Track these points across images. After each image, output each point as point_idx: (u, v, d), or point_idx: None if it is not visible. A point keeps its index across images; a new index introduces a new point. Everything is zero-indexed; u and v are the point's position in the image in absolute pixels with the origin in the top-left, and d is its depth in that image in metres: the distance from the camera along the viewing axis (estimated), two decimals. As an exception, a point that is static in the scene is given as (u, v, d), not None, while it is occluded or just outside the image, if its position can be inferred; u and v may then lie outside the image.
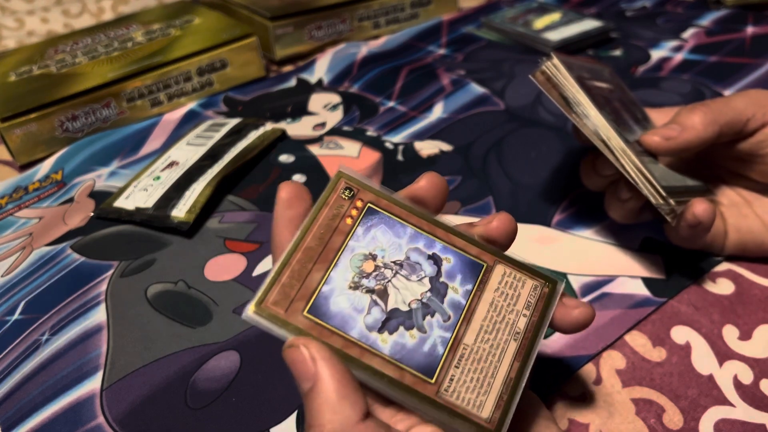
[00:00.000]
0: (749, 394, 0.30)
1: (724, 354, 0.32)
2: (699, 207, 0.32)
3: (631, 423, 0.29)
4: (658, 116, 0.39)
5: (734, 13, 0.68)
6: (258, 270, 0.39)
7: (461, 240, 0.26)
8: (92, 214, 0.45)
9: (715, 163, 0.38)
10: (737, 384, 0.30)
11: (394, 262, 0.25)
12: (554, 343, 0.33)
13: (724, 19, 0.67)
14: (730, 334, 0.33)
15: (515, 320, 0.25)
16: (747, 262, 0.37)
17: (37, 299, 0.38)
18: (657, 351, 0.32)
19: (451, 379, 0.23)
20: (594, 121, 0.34)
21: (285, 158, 0.50)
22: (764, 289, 0.35)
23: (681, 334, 0.33)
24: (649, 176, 0.33)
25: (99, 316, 0.37)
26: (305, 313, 0.23)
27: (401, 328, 0.23)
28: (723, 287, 0.36)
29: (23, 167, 0.53)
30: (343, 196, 0.25)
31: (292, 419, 0.30)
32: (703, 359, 0.32)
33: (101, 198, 0.47)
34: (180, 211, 0.43)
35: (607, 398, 0.30)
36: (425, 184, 0.26)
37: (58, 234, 0.44)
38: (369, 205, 0.25)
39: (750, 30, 0.64)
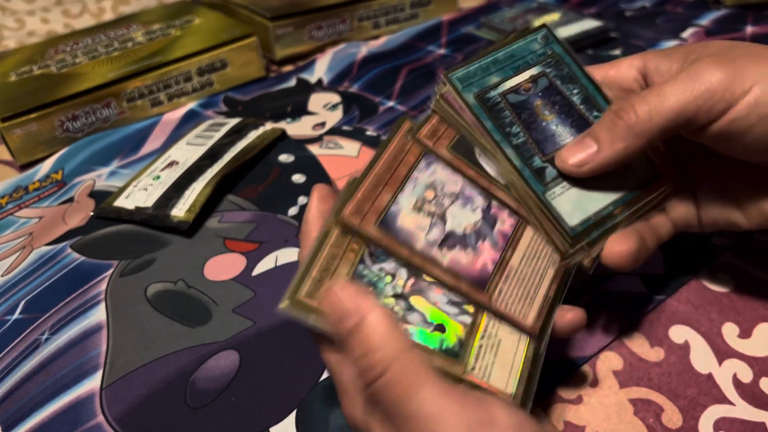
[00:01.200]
0: (749, 393, 0.30)
1: (723, 352, 0.32)
2: (609, 252, 0.28)
3: (629, 423, 0.29)
4: (618, 73, 0.32)
5: (734, 13, 0.68)
6: (258, 269, 0.39)
7: (503, 193, 0.29)
8: (92, 213, 0.45)
9: (680, 138, 0.31)
10: (737, 382, 0.30)
11: (451, 193, 0.28)
12: (550, 346, 0.33)
13: (724, 19, 0.67)
14: (729, 332, 0.33)
15: (552, 252, 0.29)
16: (748, 255, 0.37)
17: (37, 298, 0.39)
18: (655, 351, 0.32)
19: (500, 292, 0.26)
20: (493, 166, 0.30)
21: (285, 158, 0.50)
22: (765, 284, 0.35)
23: (679, 333, 0.33)
24: (552, 218, 0.29)
25: (99, 315, 0.37)
26: (377, 225, 0.25)
27: (458, 247, 0.27)
28: (723, 283, 0.36)
29: (23, 167, 0.53)
30: (407, 138, 0.28)
31: (291, 419, 0.30)
32: (702, 358, 0.32)
33: (101, 197, 0.47)
34: (180, 210, 0.43)
35: (603, 400, 0.30)
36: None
37: (58, 233, 0.44)
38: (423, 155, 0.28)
39: (749, 30, 0.64)
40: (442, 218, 0.27)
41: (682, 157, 0.32)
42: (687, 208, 0.32)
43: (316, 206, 0.26)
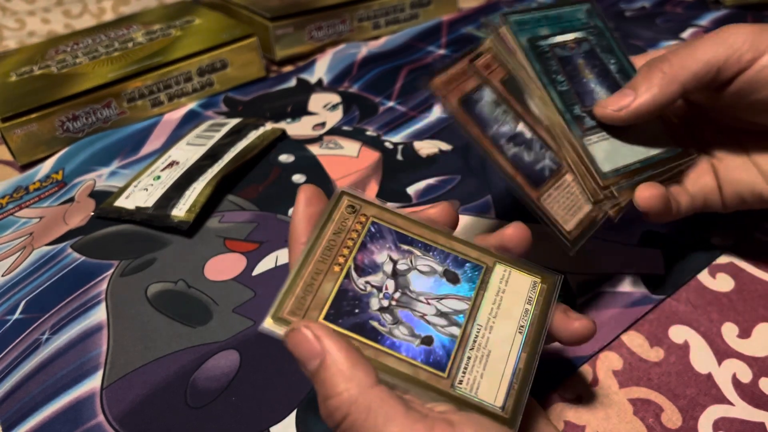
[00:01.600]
0: (748, 393, 0.30)
1: (723, 352, 0.32)
2: (641, 195, 0.30)
3: (629, 423, 0.29)
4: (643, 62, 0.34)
5: (733, 13, 0.68)
6: (258, 269, 0.39)
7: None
8: (92, 213, 0.46)
9: (701, 111, 0.35)
10: (736, 383, 0.31)
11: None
12: (550, 346, 0.33)
13: (724, 19, 0.67)
14: (729, 332, 0.33)
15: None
16: (748, 255, 0.37)
17: (37, 298, 0.39)
18: (654, 351, 0.32)
19: (549, 195, 0.28)
20: (537, 104, 0.31)
21: (285, 158, 0.50)
22: (765, 284, 0.35)
23: (679, 333, 0.33)
24: (587, 160, 0.30)
25: (99, 315, 0.37)
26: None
27: (523, 146, 0.29)
28: (723, 283, 0.36)
29: (24, 167, 0.53)
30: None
31: (291, 418, 0.30)
32: (701, 358, 0.32)
33: (101, 198, 0.47)
34: (180, 210, 0.43)
35: (603, 399, 0.30)
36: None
37: (59, 233, 0.44)
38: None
39: (750, 30, 0.64)
40: (515, 120, 0.30)
41: (700, 133, 0.34)
42: (707, 180, 0.33)
43: (302, 210, 0.26)
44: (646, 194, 0.30)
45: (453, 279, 0.26)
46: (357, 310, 0.24)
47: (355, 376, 0.21)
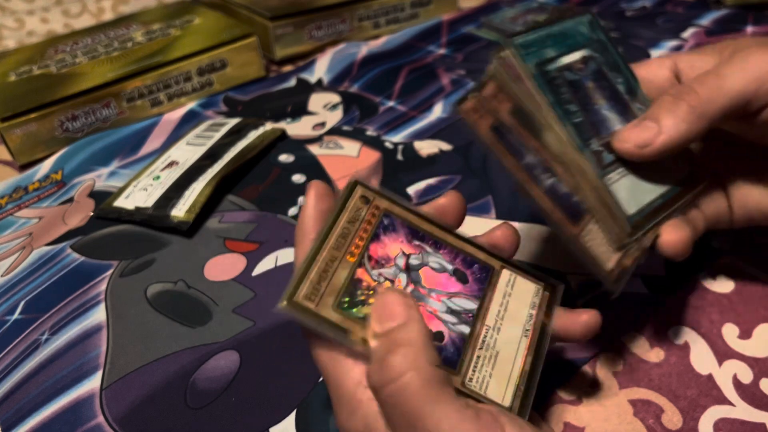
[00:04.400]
0: (749, 394, 0.30)
1: (723, 353, 0.32)
2: (667, 240, 0.28)
3: (629, 424, 0.29)
4: (648, 72, 0.32)
5: (734, 13, 0.68)
6: (258, 270, 0.39)
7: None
8: (92, 213, 0.45)
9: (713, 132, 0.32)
10: (737, 383, 0.30)
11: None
12: (549, 347, 0.33)
13: (724, 19, 0.67)
14: (729, 333, 0.33)
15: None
16: (748, 256, 0.37)
17: (36, 299, 0.38)
18: (655, 352, 0.32)
19: (473, 371, 0.24)
20: (552, 140, 0.28)
21: (285, 158, 0.50)
22: (765, 285, 0.35)
23: (679, 334, 0.33)
24: (610, 205, 0.27)
25: (99, 315, 0.37)
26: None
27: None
28: (723, 285, 0.36)
29: (23, 167, 0.53)
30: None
31: (291, 418, 0.30)
32: (702, 359, 0.32)
33: (101, 198, 0.47)
34: (180, 210, 0.43)
35: (603, 401, 0.30)
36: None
37: (58, 234, 0.44)
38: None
39: (750, 30, 0.64)
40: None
41: (711, 153, 0.33)
42: (719, 202, 0.32)
43: (313, 205, 0.26)
44: (674, 239, 0.28)
45: (462, 278, 0.26)
46: (371, 301, 0.24)
47: (428, 351, 0.21)
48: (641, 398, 0.30)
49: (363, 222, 0.26)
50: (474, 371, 0.24)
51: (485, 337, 0.25)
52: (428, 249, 0.26)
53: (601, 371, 0.31)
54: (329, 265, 0.24)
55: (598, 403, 0.30)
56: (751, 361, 0.31)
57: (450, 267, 0.26)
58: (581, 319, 0.27)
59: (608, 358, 0.32)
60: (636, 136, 0.28)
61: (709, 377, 0.31)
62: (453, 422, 0.20)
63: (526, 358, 0.25)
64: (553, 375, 0.31)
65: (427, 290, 0.25)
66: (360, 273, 0.25)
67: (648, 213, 0.28)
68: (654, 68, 0.32)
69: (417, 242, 0.26)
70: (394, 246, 0.26)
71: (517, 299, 0.27)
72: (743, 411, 0.29)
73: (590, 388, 0.31)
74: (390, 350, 0.21)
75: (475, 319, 0.26)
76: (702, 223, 0.31)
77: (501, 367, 0.25)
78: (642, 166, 0.29)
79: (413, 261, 0.26)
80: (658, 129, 0.27)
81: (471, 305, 0.26)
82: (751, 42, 0.29)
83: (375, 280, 0.25)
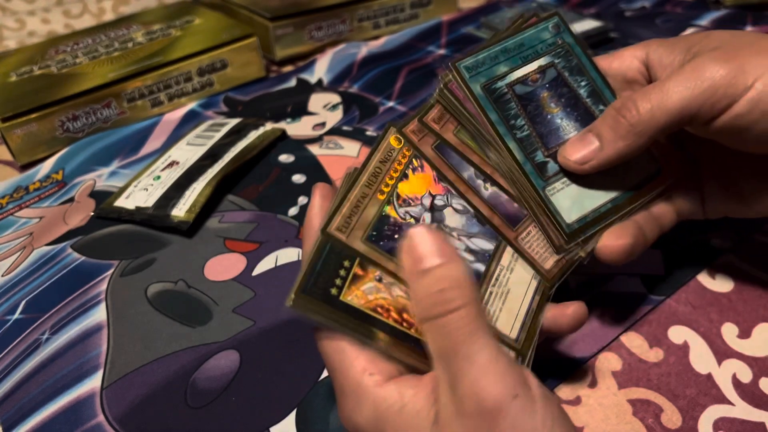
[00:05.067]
0: (748, 393, 0.30)
1: (722, 353, 0.32)
2: (604, 246, 0.29)
3: (628, 423, 0.29)
4: (622, 64, 0.32)
5: (733, 13, 0.68)
6: (258, 269, 0.39)
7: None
8: (92, 213, 0.46)
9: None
10: (736, 383, 0.31)
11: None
12: (548, 346, 0.33)
13: (724, 19, 0.67)
14: (729, 332, 0.33)
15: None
16: (748, 256, 0.37)
17: (37, 298, 0.39)
18: (654, 352, 0.32)
19: (528, 234, 0.28)
20: (495, 156, 0.30)
21: (285, 158, 0.50)
22: (765, 284, 0.35)
23: (679, 334, 0.33)
24: (550, 213, 0.29)
25: (99, 315, 0.37)
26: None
27: (498, 186, 0.29)
28: (722, 284, 0.36)
29: (24, 167, 0.53)
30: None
31: (291, 418, 0.30)
32: (701, 358, 0.32)
33: (101, 198, 0.47)
34: (180, 210, 0.43)
35: (602, 400, 0.30)
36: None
37: (59, 233, 0.44)
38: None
39: (749, 30, 0.64)
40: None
41: (687, 146, 0.32)
42: (692, 197, 0.32)
43: (318, 204, 0.26)
44: (611, 245, 0.29)
45: (482, 220, 0.28)
46: (396, 236, 0.26)
47: (475, 289, 0.22)
48: (640, 398, 0.30)
49: (394, 162, 0.27)
50: (485, 305, 0.26)
51: (498, 275, 0.27)
52: (453, 191, 0.28)
53: (600, 371, 0.32)
54: (360, 201, 0.26)
55: (597, 403, 0.30)
56: (751, 361, 0.31)
57: (472, 210, 0.28)
58: (568, 311, 0.28)
59: (607, 358, 0.32)
60: (576, 152, 0.29)
61: (709, 377, 0.31)
62: (489, 354, 0.21)
63: (534, 297, 0.28)
64: (553, 374, 0.31)
65: (449, 229, 0.27)
66: (389, 210, 0.26)
67: (592, 219, 0.29)
68: (627, 60, 0.32)
69: (444, 184, 0.28)
70: (421, 185, 0.27)
71: (530, 247, 0.29)
72: (742, 410, 0.29)
73: (589, 388, 0.31)
74: (442, 286, 0.22)
75: (491, 258, 0.28)
76: (671, 218, 0.31)
77: (511, 304, 0.27)
78: (588, 176, 0.29)
79: (438, 201, 0.28)
80: (598, 145, 0.28)
81: (488, 246, 0.28)
82: (717, 42, 0.28)
83: (402, 218, 0.26)
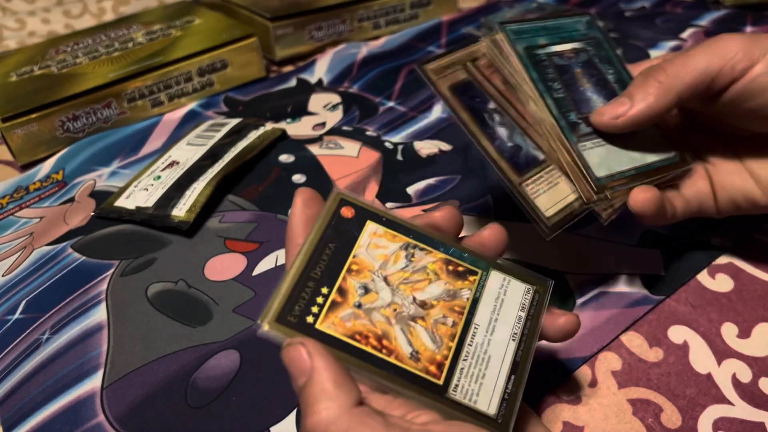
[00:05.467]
0: (748, 393, 0.30)
1: (722, 353, 0.32)
2: (636, 198, 0.30)
3: (628, 423, 0.29)
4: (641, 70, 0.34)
5: (733, 14, 0.68)
6: (258, 269, 0.39)
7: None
8: (93, 213, 0.46)
9: (695, 118, 0.35)
10: (736, 383, 0.31)
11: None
12: (548, 346, 0.33)
13: (723, 20, 0.67)
14: (728, 332, 0.33)
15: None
16: (748, 255, 0.37)
17: (37, 298, 0.39)
18: (654, 351, 0.32)
19: (459, 378, 0.24)
20: (534, 109, 0.32)
21: (285, 158, 0.50)
22: (764, 284, 0.35)
23: (678, 333, 0.33)
24: (581, 165, 0.31)
25: (99, 315, 0.37)
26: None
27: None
28: (722, 284, 0.36)
29: (24, 167, 0.53)
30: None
31: (291, 418, 0.30)
32: (701, 358, 0.32)
33: (102, 198, 0.47)
34: (180, 210, 0.43)
35: (602, 400, 0.30)
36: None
37: (59, 233, 0.44)
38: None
39: (749, 30, 0.64)
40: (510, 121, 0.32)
41: (695, 139, 0.35)
42: (702, 187, 0.34)
43: (299, 212, 0.26)
44: (641, 197, 0.30)
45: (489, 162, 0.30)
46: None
47: (338, 396, 0.21)
48: (640, 397, 0.30)
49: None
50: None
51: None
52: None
53: (600, 371, 0.32)
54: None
55: (597, 403, 0.30)
56: (750, 361, 0.32)
57: (481, 150, 0.30)
58: (558, 322, 0.27)
59: (607, 358, 0.32)
60: (610, 110, 0.31)
61: (708, 376, 0.31)
62: None
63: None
64: (552, 374, 0.31)
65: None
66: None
67: (618, 179, 0.31)
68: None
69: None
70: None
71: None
72: (742, 410, 0.29)
73: (589, 388, 0.31)
74: (305, 411, 0.21)
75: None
76: (681, 203, 0.33)
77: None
78: (619, 140, 0.32)
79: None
80: (630, 103, 0.31)
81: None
82: (729, 35, 0.31)
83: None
